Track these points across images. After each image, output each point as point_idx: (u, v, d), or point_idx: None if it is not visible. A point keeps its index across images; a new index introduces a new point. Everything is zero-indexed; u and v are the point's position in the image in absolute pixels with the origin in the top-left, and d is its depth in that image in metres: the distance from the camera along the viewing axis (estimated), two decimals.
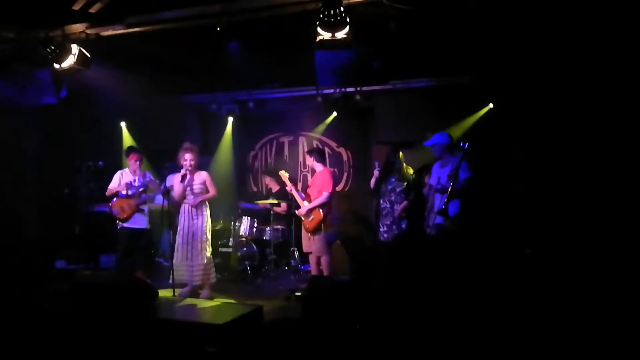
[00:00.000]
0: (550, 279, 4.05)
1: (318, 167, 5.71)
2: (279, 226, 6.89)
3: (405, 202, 5.52)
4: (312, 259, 5.63)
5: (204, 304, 4.21)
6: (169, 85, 6.94)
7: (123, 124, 7.73)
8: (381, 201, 5.62)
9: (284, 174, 5.93)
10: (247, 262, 6.65)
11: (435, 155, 4.95)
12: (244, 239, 6.81)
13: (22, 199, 7.02)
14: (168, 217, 5.31)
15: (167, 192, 5.32)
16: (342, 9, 4.13)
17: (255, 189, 8.22)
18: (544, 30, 4.88)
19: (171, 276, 5.21)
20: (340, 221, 6.57)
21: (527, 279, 3.94)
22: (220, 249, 6.98)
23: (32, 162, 7.21)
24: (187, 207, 5.32)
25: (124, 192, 5.69)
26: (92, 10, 4.93)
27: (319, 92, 7.07)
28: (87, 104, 7.16)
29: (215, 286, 5.47)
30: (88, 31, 5.10)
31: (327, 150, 7.56)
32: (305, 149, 7.35)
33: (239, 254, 6.74)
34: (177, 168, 5.69)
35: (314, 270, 5.63)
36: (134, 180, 5.76)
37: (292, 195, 5.88)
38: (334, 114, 7.41)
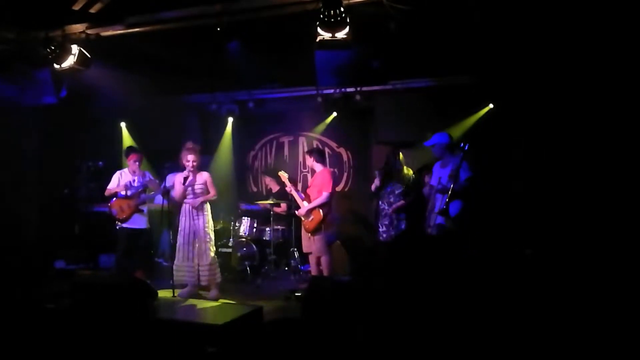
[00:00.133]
0: (550, 279, 4.05)
1: (318, 167, 5.71)
2: (279, 226, 6.88)
3: (401, 202, 5.51)
4: (312, 259, 5.63)
5: (203, 304, 4.21)
6: (169, 85, 6.94)
7: (123, 125, 7.73)
8: (380, 202, 5.64)
9: (284, 175, 5.93)
10: (247, 263, 6.64)
11: (436, 155, 4.95)
12: (244, 239, 6.80)
13: (22, 199, 7.02)
14: (168, 217, 5.32)
15: (166, 192, 5.33)
16: (342, 9, 4.13)
17: (255, 189, 8.22)
18: (544, 30, 4.88)
19: (172, 277, 5.21)
20: (340, 221, 6.57)
21: (527, 279, 3.94)
22: (220, 249, 6.96)
23: (32, 162, 7.21)
24: (188, 207, 5.32)
25: (123, 193, 5.68)
26: (92, 11, 4.93)
27: (319, 92, 7.06)
28: (87, 104, 7.16)
29: None
30: (88, 31, 5.11)
31: (327, 150, 7.55)
32: (305, 149, 7.35)
33: (238, 254, 6.74)
34: (177, 168, 5.70)
35: (313, 271, 5.63)
36: (133, 181, 5.75)
37: (291, 195, 5.88)
38: (334, 114, 7.40)
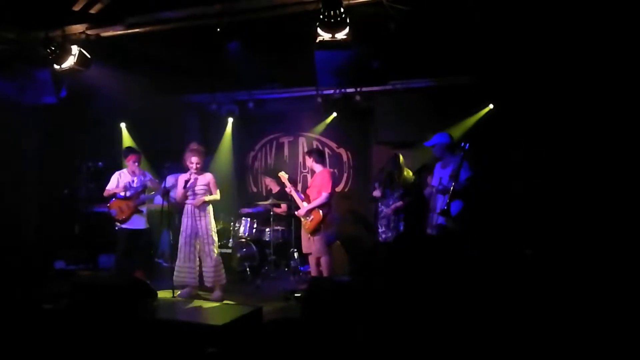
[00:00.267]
0: (551, 280, 4.05)
1: (317, 167, 5.71)
2: (278, 227, 6.88)
3: (399, 203, 5.51)
4: (311, 260, 5.63)
5: (203, 304, 4.21)
6: (169, 86, 6.94)
7: (123, 125, 7.73)
8: (379, 204, 5.64)
9: (284, 175, 5.93)
10: (246, 263, 6.64)
11: (436, 155, 4.95)
12: (243, 240, 6.80)
13: (22, 199, 7.02)
14: (167, 217, 5.30)
15: (166, 193, 5.31)
16: (342, 9, 4.13)
17: (255, 189, 8.21)
18: (544, 31, 4.88)
19: (174, 277, 5.20)
20: (339, 222, 6.56)
21: (528, 279, 3.94)
22: (220, 250, 6.95)
23: (32, 162, 7.21)
24: (190, 207, 5.28)
25: (122, 194, 5.66)
26: (92, 11, 4.93)
27: (318, 92, 7.06)
28: (87, 104, 7.16)
29: None
30: (88, 32, 5.11)
31: (327, 150, 7.55)
32: (305, 150, 7.35)
33: (238, 254, 6.73)
34: (177, 168, 5.69)
35: (313, 271, 5.63)
36: (132, 181, 5.73)
37: (291, 196, 5.88)
38: (334, 114, 7.40)
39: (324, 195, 5.46)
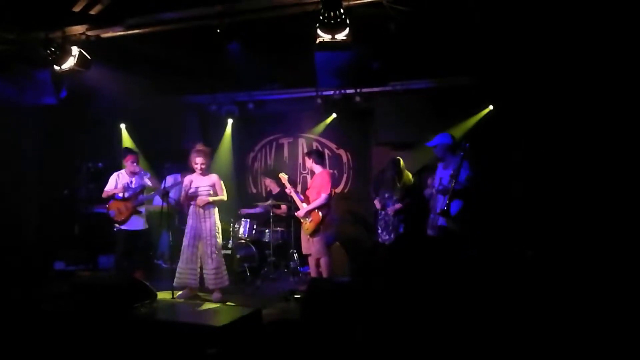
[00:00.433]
0: (551, 280, 4.05)
1: (317, 168, 5.70)
2: (278, 228, 6.87)
3: (398, 204, 5.51)
4: (311, 261, 5.63)
5: (203, 306, 4.21)
6: (169, 86, 6.94)
7: (123, 126, 7.73)
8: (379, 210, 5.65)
9: (284, 176, 5.93)
10: (246, 264, 6.63)
11: (438, 156, 4.93)
12: (243, 241, 6.80)
13: (22, 199, 7.02)
14: (167, 218, 5.29)
15: (166, 194, 5.30)
16: (342, 10, 4.13)
17: (254, 190, 8.21)
18: (544, 31, 4.88)
19: (175, 278, 5.18)
20: (339, 222, 6.56)
21: (528, 280, 3.94)
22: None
23: (32, 162, 7.21)
24: (195, 208, 5.26)
25: (120, 195, 5.64)
26: (92, 12, 4.93)
27: (318, 93, 7.06)
28: (87, 105, 7.16)
29: None
30: (88, 33, 5.10)
31: (326, 151, 7.55)
32: (305, 151, 7.35)
33: (238, 255, 6.73)
34: (177, 168, 5.68)
35: (313, 272, 5.63)
36: (131, 182, 5.71)
37: (291, 197, 5.88)
38: (334, 115, 7.40)
39: (323, 197, 5.46)
